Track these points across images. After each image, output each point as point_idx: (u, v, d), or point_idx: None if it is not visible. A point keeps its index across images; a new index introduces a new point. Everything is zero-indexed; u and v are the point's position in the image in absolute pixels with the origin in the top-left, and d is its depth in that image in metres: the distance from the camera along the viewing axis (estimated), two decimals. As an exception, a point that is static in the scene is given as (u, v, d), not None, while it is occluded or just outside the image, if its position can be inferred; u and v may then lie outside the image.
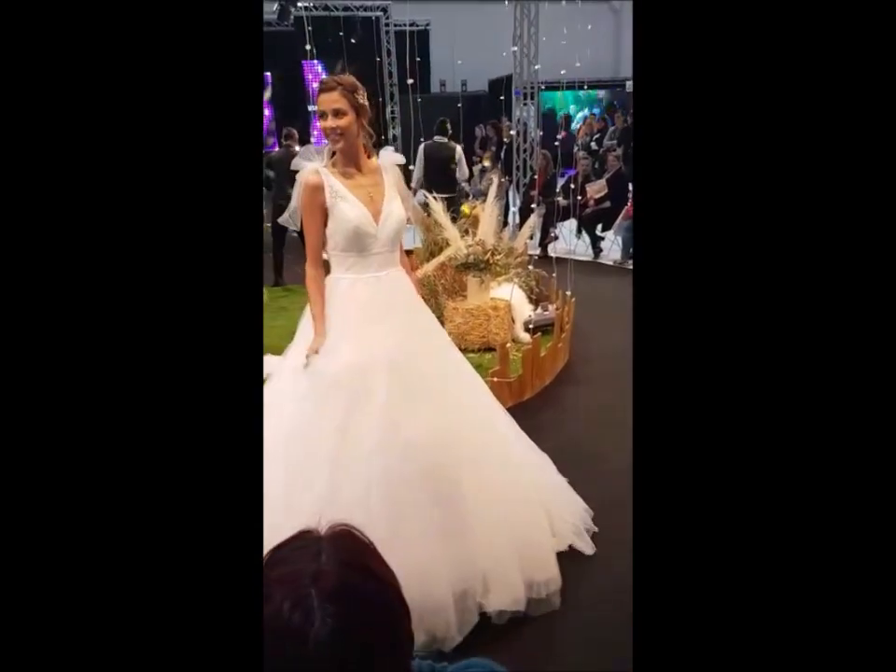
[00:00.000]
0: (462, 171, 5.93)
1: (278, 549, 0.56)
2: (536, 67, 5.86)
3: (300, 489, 1.68)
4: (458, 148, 5.90)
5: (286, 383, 1.85)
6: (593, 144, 9.45)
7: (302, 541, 0.56)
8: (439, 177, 5.64)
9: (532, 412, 3.24)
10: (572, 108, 12.35)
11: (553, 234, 6.10)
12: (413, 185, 5.60)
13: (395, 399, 1.77)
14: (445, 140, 5.83)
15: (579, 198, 5.74)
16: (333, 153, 1.83)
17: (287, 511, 1.54)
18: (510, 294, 3.91)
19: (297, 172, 1.88)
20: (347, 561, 0.55)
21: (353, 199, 1.81)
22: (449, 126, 5.88)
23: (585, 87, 6.13)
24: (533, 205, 5.07)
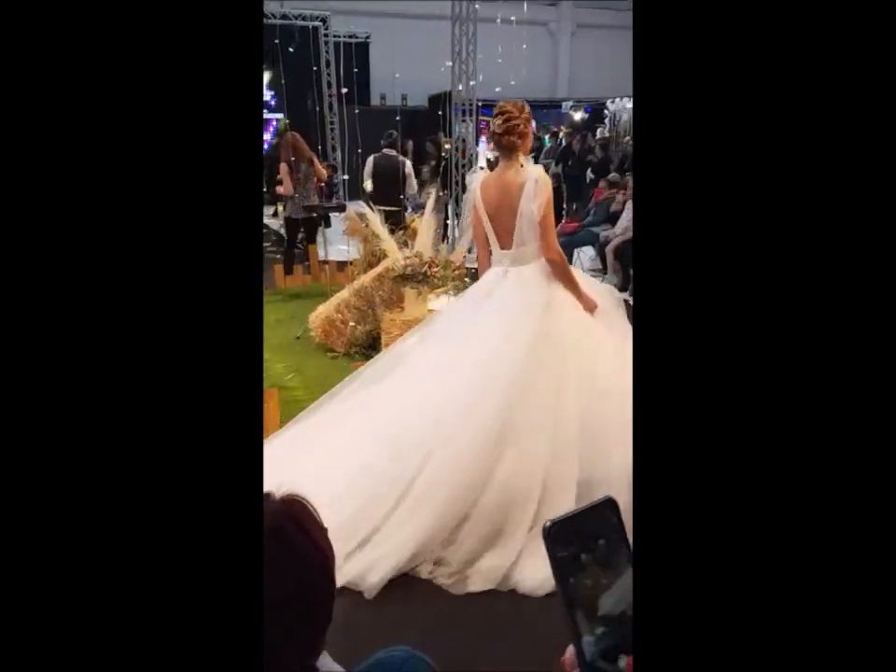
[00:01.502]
0: (410, 185, 5.90)
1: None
2: (473, 83, 5.95)
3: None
4: (408, 163, 5.88)
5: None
6: (530, 161, 9.65)
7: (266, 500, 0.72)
8: (388, 190, 5.60)
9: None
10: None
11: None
12: (362, 197, 5.58)
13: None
14: (394, 153, 5.81)
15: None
16: None
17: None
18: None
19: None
20: (290, 517, 0.73)
21: None
22: (399, 139, 5.87)
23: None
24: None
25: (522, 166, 2.16)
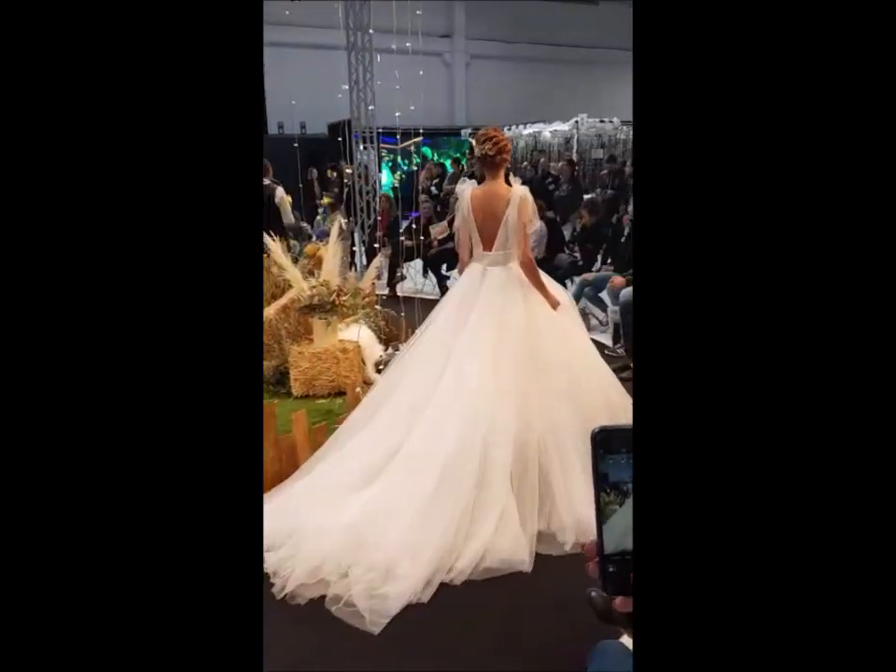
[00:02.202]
0: (285, 214, 5.61)
1: None
2: (371, 108, 5.94)
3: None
4: (278, 190, 5.59)
5: None
6: (433, 188, 9.79)
7: None
8: (269, 221, 5.34)
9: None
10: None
11: (400, 274, 6.13)
12: None
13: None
14: (268, 182, 5.50)
15: (422, 238, 5.84)
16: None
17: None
18: (358, 335, 3.80)
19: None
20: None
21: None
22: (269, 166, 5.56)
23: (422, 133, 6.33)
24: (376, 245, 5.05)
25: (510, 185, 2.65)
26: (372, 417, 2.57)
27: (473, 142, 2.71)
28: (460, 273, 2.83)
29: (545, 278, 2.73)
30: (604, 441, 0.51)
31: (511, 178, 2.74)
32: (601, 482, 0.50)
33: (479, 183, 2.75)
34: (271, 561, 2.12)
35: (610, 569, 0.50)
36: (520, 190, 2.61)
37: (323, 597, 2.02)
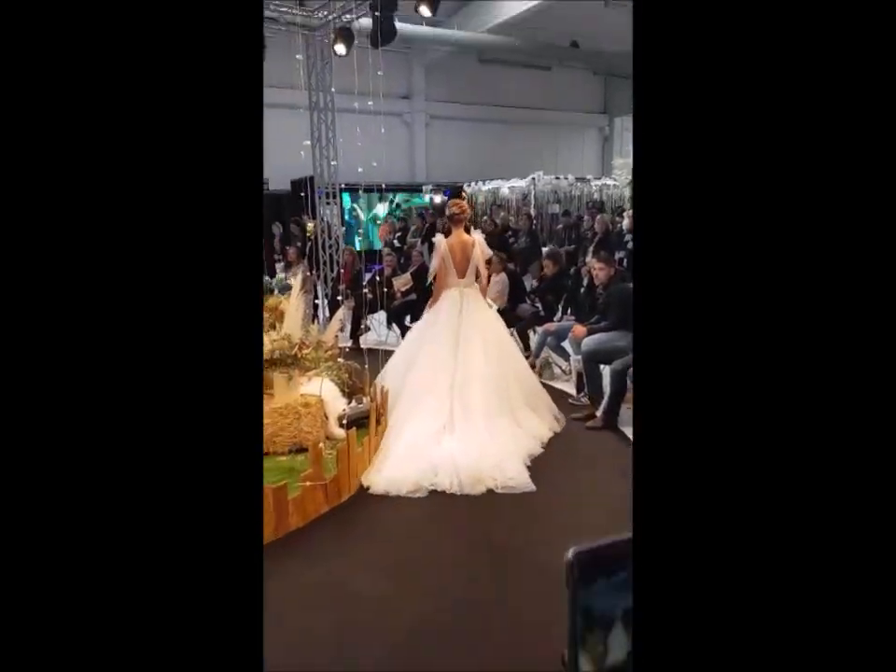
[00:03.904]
0: None
1: None
2: (333, 163, 6.03)
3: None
4: None
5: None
6: (395, 241, 9.92)
7: None
8: None
9: (350, 515, 3.00)
10: (380, 208, 12.98)
11: (364, 326, 6.10)
12: None
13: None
14: None
15: (385, 290, 5.84)
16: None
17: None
18: (320, 389, 3.72)
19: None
20: None
21: None
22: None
23: (384, 188, 6.45)
24: (339, 297, 5.04)
25: (469, 234, 4.18)
26: (419, 401, 3.83)
27: (448, 206, 4.27)
28: (436, 300, 4.21)
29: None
30: (585, 565, 0.45)
31: (472, 230, 4.25)
32: (580, 614, 0.45)
33: (446, 235, 4.19)
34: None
35: None
36: (478, 236, 4.24)
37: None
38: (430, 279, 4.49)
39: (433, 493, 3.15)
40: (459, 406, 3.77)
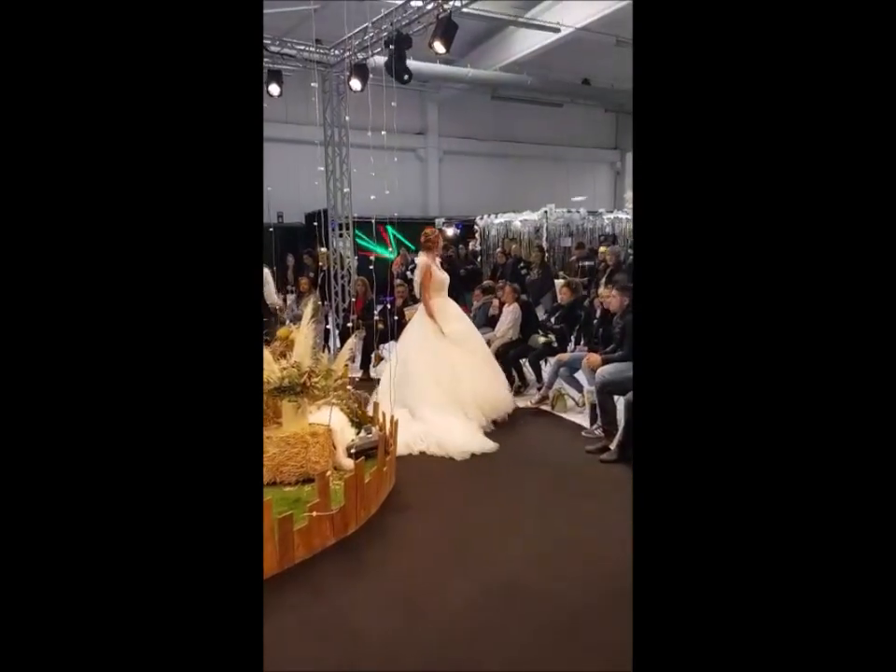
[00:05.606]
0: (268, 295, 5.84)
1: None
2: (346, 190, 6.11)
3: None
4: (264, 271, 5.86)
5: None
6: (408, 273, 9.96)
7: None
8: None
9: (357, 548, 2.91)
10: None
11: (374, 355, 6.07)
12: None
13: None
14: None
15: (396, 320, 5.83)
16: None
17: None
18: (329, 418, 3.66)
19: None
20: None
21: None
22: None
23: (396, 220, 6.51)
24: (349, 325, 5.05)
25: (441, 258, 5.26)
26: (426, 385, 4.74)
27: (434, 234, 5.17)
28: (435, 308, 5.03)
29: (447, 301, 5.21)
30: None
31: (420, 253, 5.22)
32: None
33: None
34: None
35: None
36: (420, 259, 5.11)
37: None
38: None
39: (440, 511, 3.05)
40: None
